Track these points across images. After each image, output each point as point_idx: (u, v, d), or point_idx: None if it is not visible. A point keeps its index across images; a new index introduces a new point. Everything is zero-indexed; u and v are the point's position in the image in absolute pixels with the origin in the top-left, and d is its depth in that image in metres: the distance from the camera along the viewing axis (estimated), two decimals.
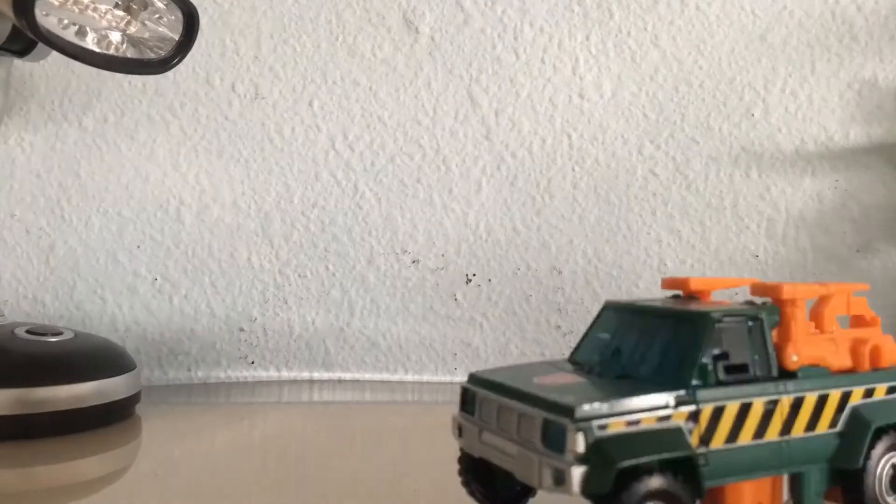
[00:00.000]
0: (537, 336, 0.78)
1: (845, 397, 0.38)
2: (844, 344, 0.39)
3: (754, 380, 0.36)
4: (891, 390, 0.39)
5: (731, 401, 0.35)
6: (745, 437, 0.35)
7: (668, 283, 0.42)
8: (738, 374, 0.36)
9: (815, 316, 0.40)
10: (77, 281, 0.78)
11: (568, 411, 0.32)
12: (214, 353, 0.79)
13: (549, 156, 0.77)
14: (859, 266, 0.76)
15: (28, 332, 0.61)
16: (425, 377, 0.78)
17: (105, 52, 0.59)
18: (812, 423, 0.37)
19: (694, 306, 0.38)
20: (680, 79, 0.76)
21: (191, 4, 0.59)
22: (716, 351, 0.35)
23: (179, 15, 0.59)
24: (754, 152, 0.76)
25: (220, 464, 0.52)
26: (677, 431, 0.33)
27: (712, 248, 0.76)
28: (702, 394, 0.34)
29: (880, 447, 0.38)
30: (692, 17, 0.76)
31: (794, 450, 0.36)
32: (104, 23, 0.59)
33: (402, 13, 0.77)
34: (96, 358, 0.61)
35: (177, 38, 0.60)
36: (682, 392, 0.34)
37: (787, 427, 0.36)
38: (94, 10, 0.58)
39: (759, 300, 0.39)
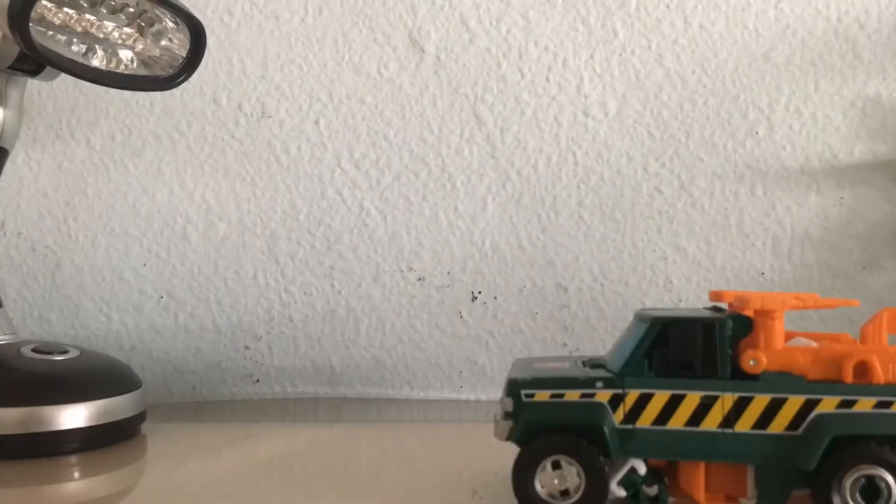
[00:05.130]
0: (543, 354, 0.78)
1: (810, 404, 0.40)
2: (831, 356, 0.41)
3: (696, 376, 0.41)
4: (882, 405, 0.40)
5: (661, 390, 0.41)
6: (677, 423, 0.41)
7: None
8: (680, 370, 0.42)
9: (864, 332, 0.43)
10: (83, 299, 0.78)
11: (509, 383, 0.43)
12: (220, 372, 0.79)
13: (554, 173, 0.77)
14: (865, 283, 0.76)
15: (34, 350, 0.60)
16: (431, 395, 0.78)
17: (113, 69, 0.59)
18: (762, 422, 0.41)
19: (670, 313, 0.44)
20: (684, 97, 0.77)
21: (197, 20, 0.59)
22: (659, 349, 0.42)
23: (188, 33, 0.59)
24: (759, 170, 0.76)
25: (226, 483, 0.52)
26: (597, 407, 0.42)
27: (718, 265, 0.76)
28: (629, 381, 0.42)
29: (847, 456, 0.40)
30: (696, 36, 0.77)
31: (739, 443, 0.41)
32: (111, 40, 0.59)
33: (408, 32, 0.78)
34: (102, 377, 0.60)
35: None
36: (612, 377, 0.42)
37: (729, 421, 0.41)
38: (99, 27, 0.59)
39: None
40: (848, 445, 0.40)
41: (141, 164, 0.78)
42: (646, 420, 0.41)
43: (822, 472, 0.40)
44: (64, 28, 0.58)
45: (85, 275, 0.78)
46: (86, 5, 0.58)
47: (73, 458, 0.56)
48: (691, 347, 0.42)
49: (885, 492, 0.40)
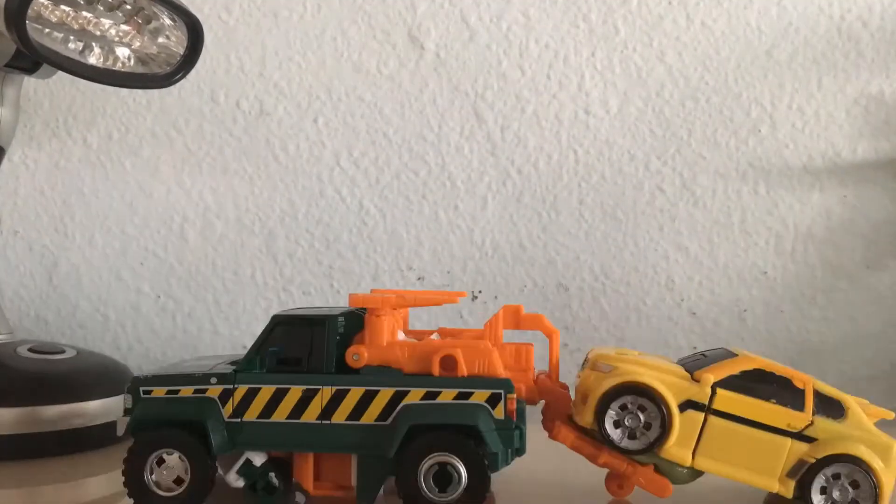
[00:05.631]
0: (544, 354, 0.77)
1: (400, 395, 0.43)
2: (424, 351, 0.44)
3: (302, 371, 0.44)
4: (462, 395, 0.43)
5: (267, 385, 0.44)
6: (280, 416, 0.44)
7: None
8: (290, 365, 0.44)
9: (485, 328, 0.47)
10: (80, 298, 0.78)
11: (131, 380, 0.45)
12: None
13: (555, 172, 0.77)
14: (868, 282, 0.75)
15: (31, 350, 0.60)
16: None
17: (110, 67, 0.58)
18: (356, 414, 0.43)
19: (292, 312, 0.46)
20: (686, 94, 0.76)
21: (194, 17, 0.59)
22: (272, 346, 0.45)
23: (186, 30, 0.59)
24: (762, 168, 0.76)
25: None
26: (204, 402, 0.44)
27: (720, 264, 0.76)
28: (240, 376, 0.44)
29: (422, 444, 0.43)
30: (698, 33, 0.76)
31: (336, 434, 0.43)
32: (108, 38, 0.59)
33: (408, 29, 0.77)
34: (99, 376, 0.60)
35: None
36: (227, 374, 0.44)
37: (327, 413, 0.43)
38: (96, 25, 0.58)
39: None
40: (427, 434, 0.43)
41: (138, 162, 0.78)
42: (252, 414, 0.44)
43: (402, 459, 0.43)
44: (61, 25, 0.57)
45: (82, 274, 0.78)
46: (83, 2, 0.58)
47: (71, 458, 0.56)
48: (301, 344, 0.45)
49: (456, 478, 0.42)
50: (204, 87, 0.78)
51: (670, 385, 0.44)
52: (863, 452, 0.43)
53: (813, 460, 0.43)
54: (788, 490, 0.43)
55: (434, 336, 0.48)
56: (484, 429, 0.42)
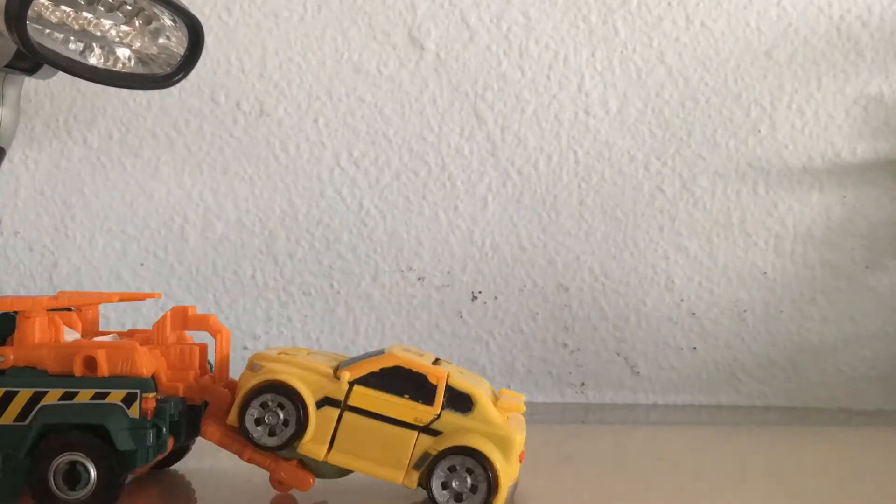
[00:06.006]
0: (544, 354, 0.77)
1: (38, 396, 0.45)
2: (67, 352, 0.45)
3: None
4: (99, 395, 0.44)
5: None
6: None
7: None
8: None
9: (154, 328, 0.49)
10: None
11: None
12: None
13: (555, 172, 0.77)
14: (868, 282, 0.75)
15: None
16: None
17: (110, 67, 0.59)
18: None
19: None
20: (686, 95, 0.76)
21: (195, 18, 0.59)
22: None
23: (186, 30, 0.59)
24: (761, 168, 0.76)
25: (224, 486, 0.52)
26: None
27: (720, 264, 0.76)
28: None
29: (51, 443, 0.44)
30: (697, 34, 0.76)
31: None
32: (108, 38, 0.59)
33: (408, 30, 0.77)
34: None
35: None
36: None
37: None
38: (97, 25, 0.58)
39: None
40: (59, 434, 0.44)
41: (138, 162, 0.78)
42: None
43: (35, 459, 0.44)
44: (61, 26, 0.57)
45: (82, 275, 0.78)
46: (83, 3, 0.58)
47: None
48: None
49: (86, 476, 0.44)
50: (204, 88, 0.78)
51: (311, 383, 0.45)
52: (480, 444, 0.45)
53: (436, 452, 0.45)
54: (412, 481, 0.45)
55: (109, 337, 0.50)
56: (113, 428, 0.44)
